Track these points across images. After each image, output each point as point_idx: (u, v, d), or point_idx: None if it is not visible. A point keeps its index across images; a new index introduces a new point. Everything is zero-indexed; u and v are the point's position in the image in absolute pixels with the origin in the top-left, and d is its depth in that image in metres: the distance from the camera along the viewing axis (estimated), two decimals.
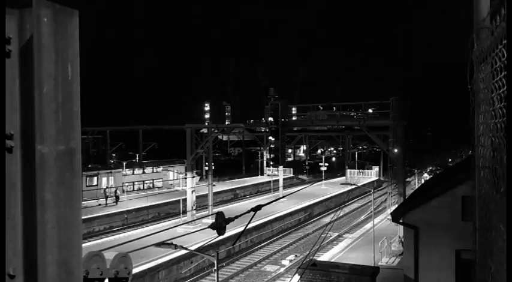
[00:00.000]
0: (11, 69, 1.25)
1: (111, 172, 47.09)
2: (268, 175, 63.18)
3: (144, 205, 40.87)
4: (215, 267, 16.31)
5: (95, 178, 45.02)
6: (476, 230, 3.03)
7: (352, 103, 39.45)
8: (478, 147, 2.91)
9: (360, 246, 29.03)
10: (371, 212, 31.69)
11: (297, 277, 16.45)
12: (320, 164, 63.86)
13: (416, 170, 54.69)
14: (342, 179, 60.23)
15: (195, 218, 32.12)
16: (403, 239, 21.68)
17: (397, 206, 25.50)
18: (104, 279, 1.98)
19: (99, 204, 39.54)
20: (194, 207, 33.74)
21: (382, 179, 63.31)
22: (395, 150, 31.37)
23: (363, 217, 42.00)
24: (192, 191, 33.69)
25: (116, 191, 42.17)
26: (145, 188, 50.81)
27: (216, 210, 34.52)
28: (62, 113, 1.32)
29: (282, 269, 27.08)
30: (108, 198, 41.09)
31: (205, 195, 36.95)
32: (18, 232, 1.25)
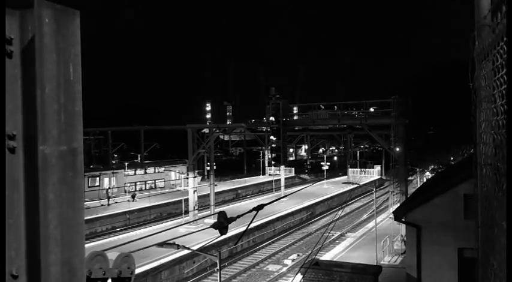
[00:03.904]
0: (13, 69, 1.25)
1: (113, 172, 47.19)
2: (270, 174, 63.17)
3: (146, 205, 40.92)
4: (217, 267, 16.33)
5: (97, 179, 45.11)
6: (479, 227, 3.02)
7: (353, 102, 39.43)
8: (480, 145, 2.91)
9: (362, 245, 29.01)
10: (373, 211, 31.68)
11: (299, 276, 16.46)
12: (322, 163, 63.86)
13: (418, 169, 54.58)
14: (343, 178, 60.21)
15: (197, 218, 32.16)
16: (405, 238, 21.66)
17: (399, 204, 25.47)
18: (107, 279, 1.98)
19: (102, 205, 39.60)
20: (196, 207, 33.77)
21: (384, 178, 63.24)
22: (397, 149, 31.36)
23: (365, 216, 41.97)
24: (194, 191, 33.72)
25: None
26: (147, 188, 50.89)
27: (217, 210, 34.55)
28: (64, 113, 1.32)
29: (284, 269, 27.08)
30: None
31: (207, 195, 36.98)
32: (21, 232, 1.26)
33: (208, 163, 48.46)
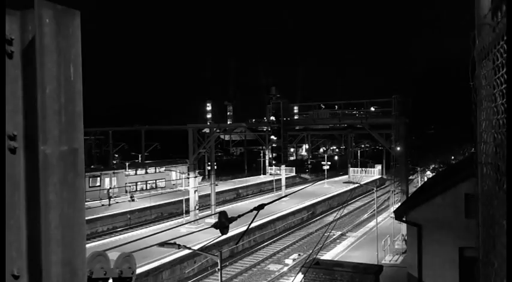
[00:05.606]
0: (14, 70, 1.26)
1: (114, 173, 47.20)
2: (270, 174, 63.18)
3: (147, 205, 40.94)
4: (218, 267, 16.34)
5: (98, 179, 45.12)
6: (480, 226, 3.02)
7: (354, 101, 39.36)
8: (481, 144, 2.91)
9: (363, 245, 29.01)
10: (374, 210, 31.68)
11: (300, 276, 16.47)
12: (322, 162, 63.82)
13: (419, 168, 54.61)
14: (344, 177, 60.20)
15: (198, 218, 32.17)
16: (406, 237, 21.66)
17: (400, 204, 25.46)
18: (108, 279, 1.98)
19: (102, 205, 39.62)
20: (197, 207, 33.78)
21: (384, 177, 63.23)
22: (398, 148, 31.33)
23: (365, 215, 41.96)
24: (195, 191, 33.72)
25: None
26: (148, 188, 50.91)
27: (218, 209, 34.56)
28: (65, 113, 1.32)
29: (285, 268, 27.09)
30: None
31: (208, 195, 36.99)
32: (22, 232, 1.26)
33: (209, 163, 48.48)
